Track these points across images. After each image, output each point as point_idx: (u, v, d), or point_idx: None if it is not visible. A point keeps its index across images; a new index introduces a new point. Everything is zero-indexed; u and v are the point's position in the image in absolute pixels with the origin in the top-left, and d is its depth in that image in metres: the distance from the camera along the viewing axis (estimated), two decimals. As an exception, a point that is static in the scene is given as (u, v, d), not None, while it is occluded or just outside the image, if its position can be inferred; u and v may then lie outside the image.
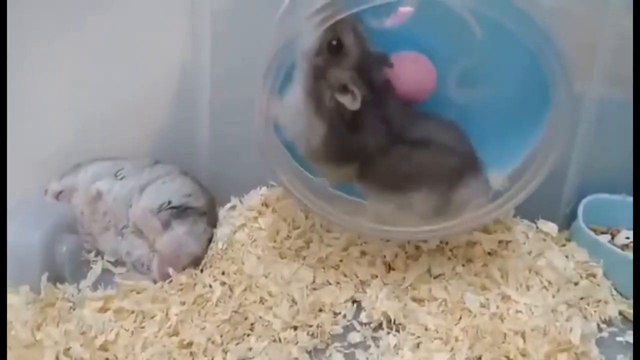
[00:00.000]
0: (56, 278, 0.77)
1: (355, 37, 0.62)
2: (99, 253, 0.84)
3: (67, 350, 0.67)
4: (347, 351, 0.70)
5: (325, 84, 0.63)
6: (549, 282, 0.77)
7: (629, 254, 0.80)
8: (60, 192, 0.84)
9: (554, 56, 0.60)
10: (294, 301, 0.75)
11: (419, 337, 0.71)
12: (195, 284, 0.77)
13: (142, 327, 0.71)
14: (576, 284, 0.78)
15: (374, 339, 0.72)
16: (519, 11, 0.57)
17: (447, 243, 0.82)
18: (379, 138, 0.65)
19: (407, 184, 0.68)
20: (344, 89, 0.62)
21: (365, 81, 0.62)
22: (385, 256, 0.80)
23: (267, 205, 0.89)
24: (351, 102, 0.62)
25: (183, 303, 0.74)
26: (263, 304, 0.75)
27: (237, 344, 0.70)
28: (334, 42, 0.61)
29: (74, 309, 0.74)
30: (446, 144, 0.67)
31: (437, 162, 0.67)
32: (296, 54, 0.62)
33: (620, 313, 0.75)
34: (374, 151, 0.66)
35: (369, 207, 0.72)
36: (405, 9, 0.64)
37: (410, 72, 0.66)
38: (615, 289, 0.78)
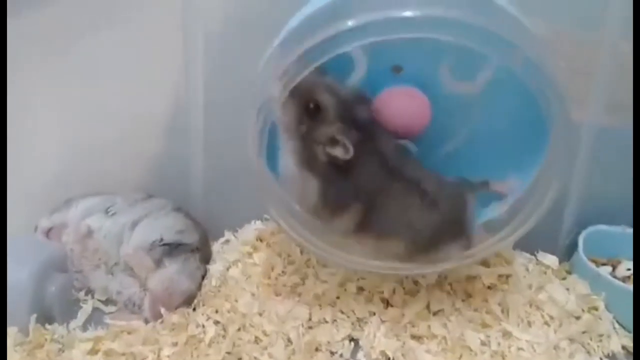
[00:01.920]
0: (45, 318, 0.76)
1: (327, 91, 0.62)
2: (89, 291, 0.82)
3: (55, 396, 0.65)
4: (345, 392, 0.69)
5: (314, 144, 0.63)
6: (551, 317, 0.76)
7: (631, 287, 0.78)
8: (50, 228, 0.83)
9: (549, 86, 0.59)
10: (289, 340, 0.73)
11: (418, 376, 0.69)
12: (187, 324, 0.75)
13: (133, 370, 0.69)
14: (578, 318, 0.76)
15: (373, 379, 0.70)
16: (511, 45, 0.56)
17: (446, 277, 0.80)
18: (376, 173, 0.64)
19: (390, 229, 0.67)
20: (334, 142, 0.62)
21: (351, 127, 0.62)
22: (382, 292, 0.79)
23: (261, 240, 0.88)
24: (343, 153, 0.62)
25: (175, 344, 0.72)
26: (258, 343, 0.73)
27: (231, 386, 0.68)
28: (312, 106, 0.61)
29: (63, 351, 0.72)
30: (433, 197, 0.66)
31: (421, 213, 0.66)
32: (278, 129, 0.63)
33: (624, 347, 0.74)
34: (374, 188, 0.65)
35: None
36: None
37: (403, 106, 0.65)
38: (618, 322, 0.77)
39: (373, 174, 0.64)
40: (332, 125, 0.62)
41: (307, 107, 0.61)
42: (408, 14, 0.54)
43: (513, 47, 0.57)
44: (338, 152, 0.62)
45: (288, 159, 0.64)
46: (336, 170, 0.63)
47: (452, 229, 0.68)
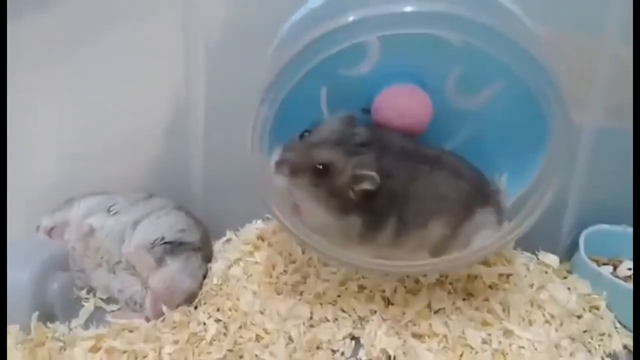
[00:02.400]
0: (47, 316, 0.76)
1: (321, 148, 0.63)
2: (91, 290, 0.82)
3: (56, 393, 0.65)
4: (345, 391, 0.69)
5: (339, 191, 0.63)
6: (552, 316, 0.76)
7: (632, 286, 0.78)
8: (52, 228, 0.83)
9: (551, 89, 0.59)
10: (290, 339, 0.73)
11: (419, 375, 0.69)
12: (189, 322, 0.75)
13: (135, 368, 0.70)
14: (579, 317, 0.77)
15: (374, 377, 0.70)
16: (515, 44, 0.57)
17: (447, 277, 0.80)
18: (401, 167, 0.65)
19: (429, 213, 0.66)
20: (358, 179, 0.62)
21: (360, 152, 0.63)
22: (384, 291, 0.79)
23: (262, 239, 0.88)
24: (372, 183, 0.62)
25: (176, 342, 0.72)
26: (259, 341, 0.73)
27: (232, 384, 0.68)
28: (320, 167, 0.62)
29: (65, 349, 0.73)
30: (456, 166, 0.67)
31: (449, 185, 0.66)
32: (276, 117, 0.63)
33: (625, 347, 0.74)
34: (405, 182, 0.65)
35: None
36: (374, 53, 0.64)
37: (405, 104, 0.65)
38: (619, 322, 0.77)
39: (399, 170, 0.64)
40: (350, 167, 0.62)
41: (315, 170, 0.62)
42: (408, 9, 0.54)
43: (518, 47, 0.57)
44: (366, 185, 0.62)
45: (318, 216, 0.65)
46: (372, 197, 0.63)
47: (483, 194, 0.68)
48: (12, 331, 0.73)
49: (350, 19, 0.55)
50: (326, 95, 0.68)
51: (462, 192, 0.66)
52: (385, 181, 0.63)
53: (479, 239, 0.69)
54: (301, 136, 0.65)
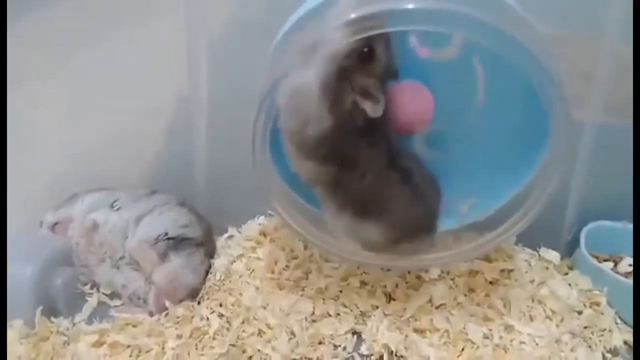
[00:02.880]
0: (51, 311, 0.76)
1: (385, 49, 0.61)
2: (94, 285, 0.83)
3: (60, 387, 0.65)
4: (347, 385, 0.69)
5: (347, 87, 0.61)
6: (553, 312, 0.76)
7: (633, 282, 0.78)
8: (56, 223, 0.83)
9: (551, 85, 0.59)
10: (292, 333, 0.73)
11: (421, 369, 0.69)
12: (192, 317, 0.76)
13: (138, 362, 0.70)
14: (580, 313, 0.77)
15: (375, 371, 0.70)
16: (516, 41, 0.57)
17: (448, 272, 0.81)
18: (378, 153, 0.65)
19: (370, 212, 0.67)
20: (367, 95, 0.61)
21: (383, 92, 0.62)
22: (385, 286, 0.79)
23: (265, 235, 0.88)
24: (372, 108, 0.61)
25: (180, 336, 0.72)
26: (261, 336, 0.73)
27: (235, 378, 0.68)
28: (366, 50, 0.60)
29: (69, 344, 0.73)
30: (419, 187, 0.67)
31: (406, 204, 0.67)
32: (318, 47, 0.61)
33: (625, 342, 0.74)
34: (368, 164, 0.65)
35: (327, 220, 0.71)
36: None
37: (410, 100, 0.66)
38: (620, 318, 0.77)
39: (371, 155, 0.64)
40: (373, 79, 0.61)
41: (362, 49, 0.60)
42: (410, 5, 0.55)
43: (518, 44, 0.57)
44: (367, 106, 0.61)
45: (311, 82, 0.62)
46: (352, 125, 0.63)
47: (429, 224, 0.69)
48: (16, 325, 0.73)
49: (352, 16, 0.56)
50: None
51: (412, 215, 0.68)
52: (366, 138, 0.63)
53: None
54: None
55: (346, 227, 0.69)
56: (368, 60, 0.61)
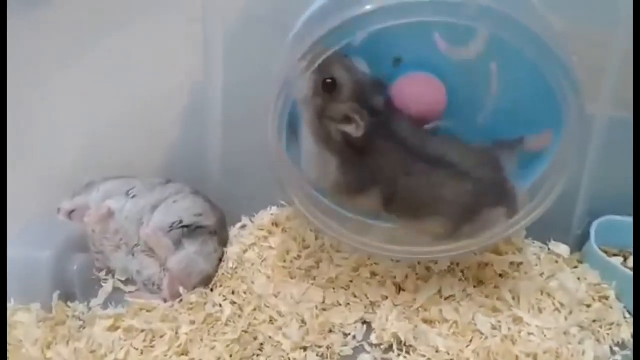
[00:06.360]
0: (67, 296, 0.78)
1: (345, 70, 0.63)
2: (110, 272, 0.84)
3: (76, 369, 0.67)
4: (357, 373, 0.70)
5: (328, 120, 0.64)
6: (561, 304, 0.77)
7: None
8: (73, 210, 0.84)
9: (565, 77, 0.60)
10: (303, 321, 0.74)
11: (429, 359, 0.70)
12: (205, 303, 0.77)
13: (152, 346, 0.71)
14: (589, 306, 0.77)
15: (385, 360, 0.71)
16: (533, 34, 0.57)
17: (457, 264, 0.82)
18: (394, 157, 0.66)
19: (424, 209, 0.68)
20: (347, 120, 0.64)
21: (366, 108, 0.64)
22: (395, 277, 0.80)
23: (277, 225, 0.89)
24: (355, 130, 0.63)
25: (193, 322, 0.74)
26: (273, 324, 0.74)
27: (247, 364, 0.70)
28: (329, 81, 0.63)
29: (84, 328, 0.74)
30: (461, 167, 0.66)
31: (452, 186, 0.67)
32: (296, 103, 0.65)
33: (634, 336, 0.75)
34: (394, 172, 0.66)
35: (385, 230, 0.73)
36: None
37: (420, 92, 0.66)
38: (629, 312, 0.77)
39: (391, 158, 0.66)
40: (346, 103, 0.63)
41: (324, 81, 0.63)
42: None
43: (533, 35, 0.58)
44: (350, 129, 0.63)
45: (308, 137, 0.66)
46: (353, 151, 0.65)
47: (491, 195, 0.68)
48: (34, 309, 0.75)
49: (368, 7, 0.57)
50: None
51: (462, 195, 0.67)
52: (372, 155, 0.65)
53: (487, 232, 0.71)
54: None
55: (411, 231, 0.71)
56: (335, 90, 0.63)
